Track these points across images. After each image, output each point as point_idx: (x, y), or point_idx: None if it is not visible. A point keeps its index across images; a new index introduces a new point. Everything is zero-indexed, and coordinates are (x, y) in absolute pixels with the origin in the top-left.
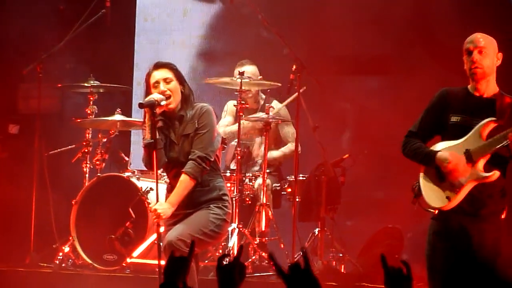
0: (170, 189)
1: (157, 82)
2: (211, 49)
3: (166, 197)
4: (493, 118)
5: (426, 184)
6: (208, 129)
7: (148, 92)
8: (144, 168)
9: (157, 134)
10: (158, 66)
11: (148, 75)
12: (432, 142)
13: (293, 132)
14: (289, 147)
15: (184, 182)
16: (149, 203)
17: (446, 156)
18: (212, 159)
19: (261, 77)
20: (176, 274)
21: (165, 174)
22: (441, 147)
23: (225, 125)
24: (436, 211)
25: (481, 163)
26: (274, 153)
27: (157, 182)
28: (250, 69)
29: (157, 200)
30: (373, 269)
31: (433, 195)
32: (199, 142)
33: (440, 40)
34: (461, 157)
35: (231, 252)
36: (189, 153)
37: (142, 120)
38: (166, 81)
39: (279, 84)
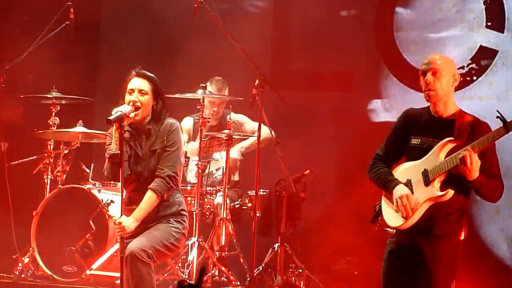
0: (128, 202)
1: (132, 90)
2: (176, 63)
3: (121, 210)
4: (451, 138)
5: (386, 204)
6: (177, 147)
7: (123, 94)
8: (105, 180)
9: (124, 145)
10: (140, 74)
11: (128, 79)
12: (400, 162)
13: (255, 125)
14: (265, 132)
15: (151, 199)
16: (110, 216)
17: (399, 194)
18: (178, 177)
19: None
20: None
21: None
22: (403, 167)
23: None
24: (394, 231)
25: (437, 183)
26: (244, 143)
27: (122, 194)
28: (223, 90)
29: (121, 213)
30: (332, 285)
31: (391, 215)
32: (168, 160)
33: (404, 58)
34: (418, 180)
35: (190, 267)
36: (154, 169)
37: (104, 132)
38: (141, 92)
39: (241, 98)
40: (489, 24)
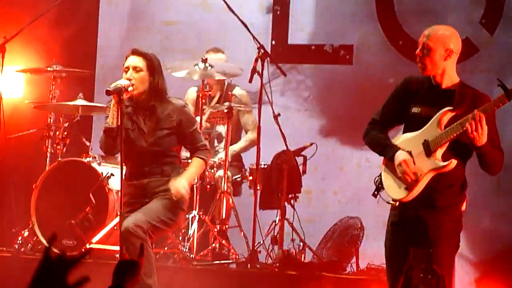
0: (128, 177)
1: (127, 68)
2: (175, 35)
3: (121, 183)
4: (450, 108)
5: (387, 176)
6: (195, 124)
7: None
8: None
9: (124, 120)
10: (135, 52)
11: (125, 58)
12: (394, 130)
13: (252, 120)
14: (249, 137)
15: (199, 162)
16: (109, 189)
17: (400, 159)
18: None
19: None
20: (125, 278)
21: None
22: (402, 139)
23: None
24: (397, 203)
25: (439, 153)
26: (234, 147)
27: (122, 168)
28: (220, 57)
29: (121, 187)
30: (333, 258)
31: (393, 187)
32: (196, 138)
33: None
34: (419, 152)
35: (191, 241)
36: (159, 145)
37: (104, 105)
38: (136, 69)
39: (240, 74)
40: (483, 21)
